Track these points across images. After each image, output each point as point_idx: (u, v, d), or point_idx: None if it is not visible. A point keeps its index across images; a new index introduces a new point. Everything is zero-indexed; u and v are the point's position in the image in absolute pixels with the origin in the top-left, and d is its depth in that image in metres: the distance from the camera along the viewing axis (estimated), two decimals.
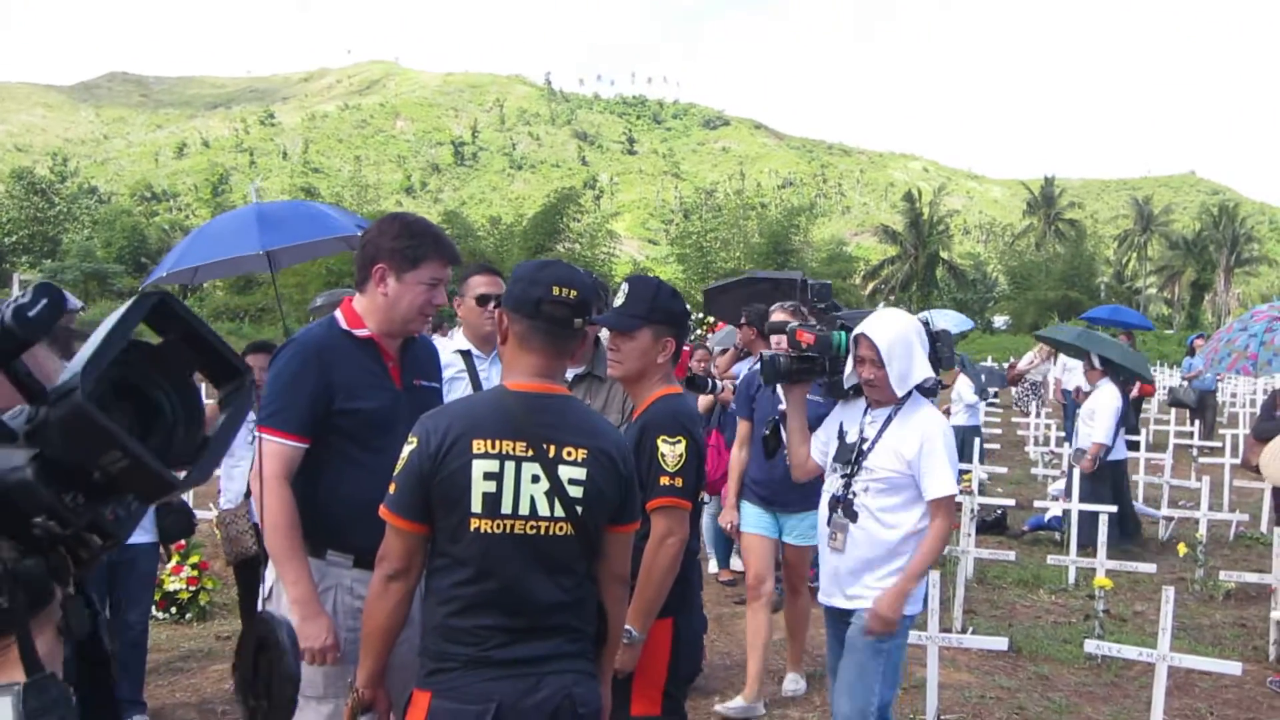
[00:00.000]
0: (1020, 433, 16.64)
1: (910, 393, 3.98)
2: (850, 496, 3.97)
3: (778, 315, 5.25)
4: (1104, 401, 9.01)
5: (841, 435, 4.07)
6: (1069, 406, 16.31)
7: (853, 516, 3.96)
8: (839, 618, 4.15)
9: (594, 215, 52.82)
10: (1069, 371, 16.12)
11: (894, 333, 3.92)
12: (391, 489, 2.66)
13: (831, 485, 4.06)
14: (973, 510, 8.04)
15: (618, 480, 2.72)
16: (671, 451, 3.26)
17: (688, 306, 3.72)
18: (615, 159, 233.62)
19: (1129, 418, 8.73)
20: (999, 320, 59.02)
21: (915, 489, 3.95)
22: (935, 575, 5.30)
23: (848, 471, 3.99)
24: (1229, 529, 10.83)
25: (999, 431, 16.38)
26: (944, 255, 67.10)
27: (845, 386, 4.07)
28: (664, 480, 3.23)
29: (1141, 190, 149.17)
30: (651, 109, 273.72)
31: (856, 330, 3.97)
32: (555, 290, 2.69)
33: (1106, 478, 9.13)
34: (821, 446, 4.20)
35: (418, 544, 2.67)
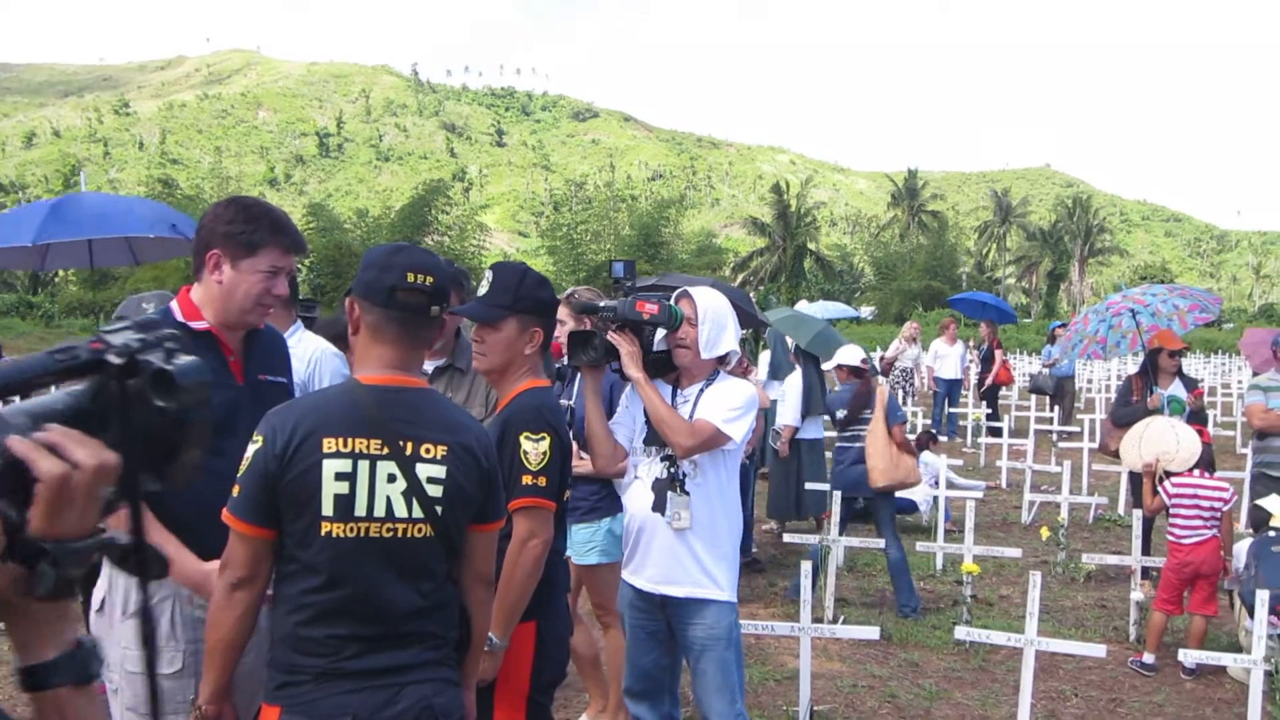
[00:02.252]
0: None
1: (716, 372, 3.97)
2: (682, 476, 3.84)
3: (584, 295, 4.97)
4: (792, 384, 9.20)
5: (649, 418, 3.93)
6: (939, 394, 16.65)
7: (687, 495, 3.84)
8: (667, 608, 3.96)
9: (463, 208, 52.13)
10: (940, 359, 16.44)
11: (712, 298, 3.96)
12: (235, 491, 2.46)
13: (651, 470, 3.90)
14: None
15: (480, 477, 2.57)
16: (535, 449, 3.09)
17: (557, 296, 3.54)
18: (484, 151, 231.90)
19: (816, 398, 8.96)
20: (865, 311, 60.21)
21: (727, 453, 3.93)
22: (807, 566, 5.25)
23: (669, 453, 3.85)
24: (1088, 512, 11.12)
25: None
26: (811, 247, 68.09)
27: (655, 350, 3.93)
28: (526, 480, 3.06)
29: (1000, 182, 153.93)
30: (520, 101, 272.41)
31: (679, 291, 3.98)
32: (410, 277, 2.52)
33: (794, 458, 9.28)
34: (627, 433, 4.02)
35: (264, 550, 2.47)
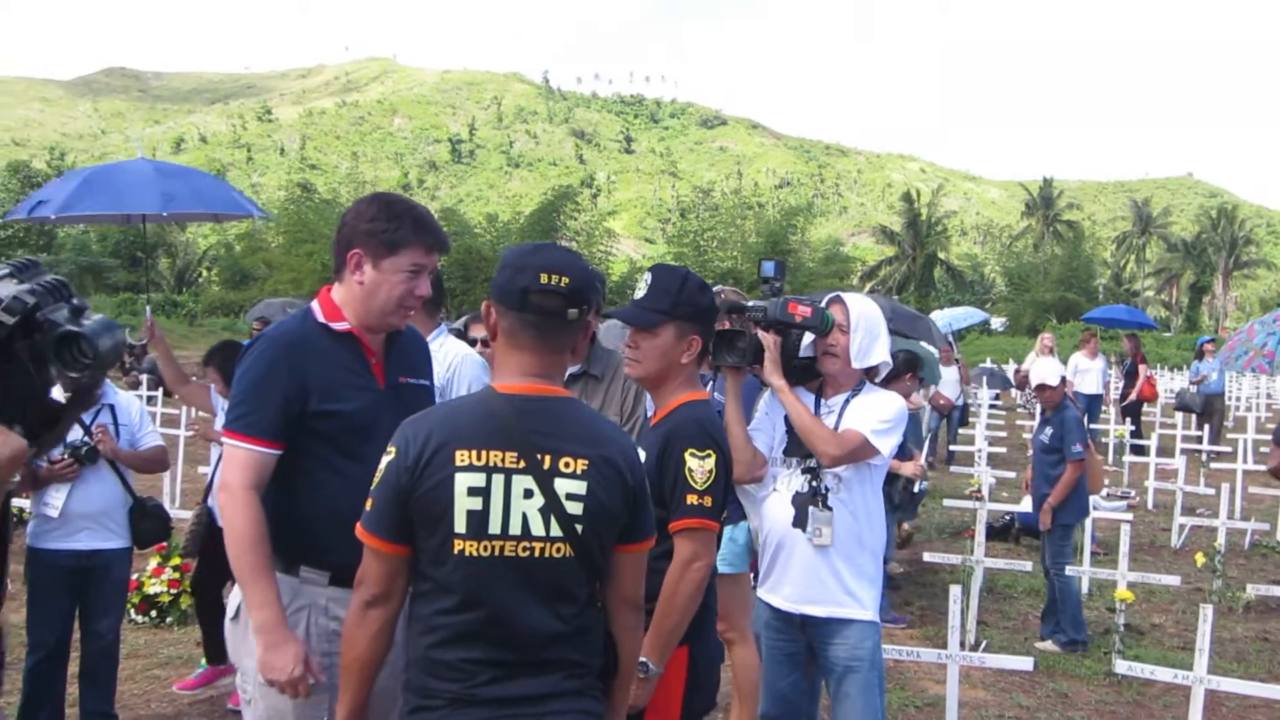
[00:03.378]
0: (1025, 436, 16.33)
1: (863, 382, 3.79)
2: (824, 490, 3.65)
3: (731, 294, 4.77)
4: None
5: (791, 427, 3.74)
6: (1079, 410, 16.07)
7: (830, 510, 3.64)
8: (807, 628, 3.76)
9: (591, 214, 52.45)
10: (1081, 374, 15.82)
11: (865, 305, 3.79)
12: (368, 505, 2.33)
13: (791, 483, 3.71)
14: (987, 516, 7.72)
15: (624, 493, 2.38)
16: (700, 467, 2.90)
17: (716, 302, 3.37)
18: (612, 157, 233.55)
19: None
20: (997, 322, 58.82)
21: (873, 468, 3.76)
22: (956, 590, 4.99)
23: (812, 465, 3.66)
24: (1244, 537, 10.54)
25: (1004, 435, 16.07)
26: (942, 256, 66.87)
27: (800, 355, 3.74)
28: (691, 499, 2.87)
29: (1139, 192, 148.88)
30: (649, 108, 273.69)
31: (830, 295, 3.81)
32: (543, 278, 2.35)
33: None
34: (766, 440, 3.82)
35: (399, 566, 2.34)
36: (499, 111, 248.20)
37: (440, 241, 2.94)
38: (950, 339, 17.75)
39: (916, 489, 6.93)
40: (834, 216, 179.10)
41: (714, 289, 4.98)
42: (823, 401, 3.79)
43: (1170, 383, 27.33)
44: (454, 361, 3.97)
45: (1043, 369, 7.50)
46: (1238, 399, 23.31)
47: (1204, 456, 13.98)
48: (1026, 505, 10.06)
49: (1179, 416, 17.09)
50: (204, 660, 5.91)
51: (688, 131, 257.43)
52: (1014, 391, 20.86)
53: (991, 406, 18.93)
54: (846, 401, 3.76)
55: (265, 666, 2.69)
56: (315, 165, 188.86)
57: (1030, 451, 14.91)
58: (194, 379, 6.56)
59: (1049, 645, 7.12)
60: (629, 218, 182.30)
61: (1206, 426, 16.07)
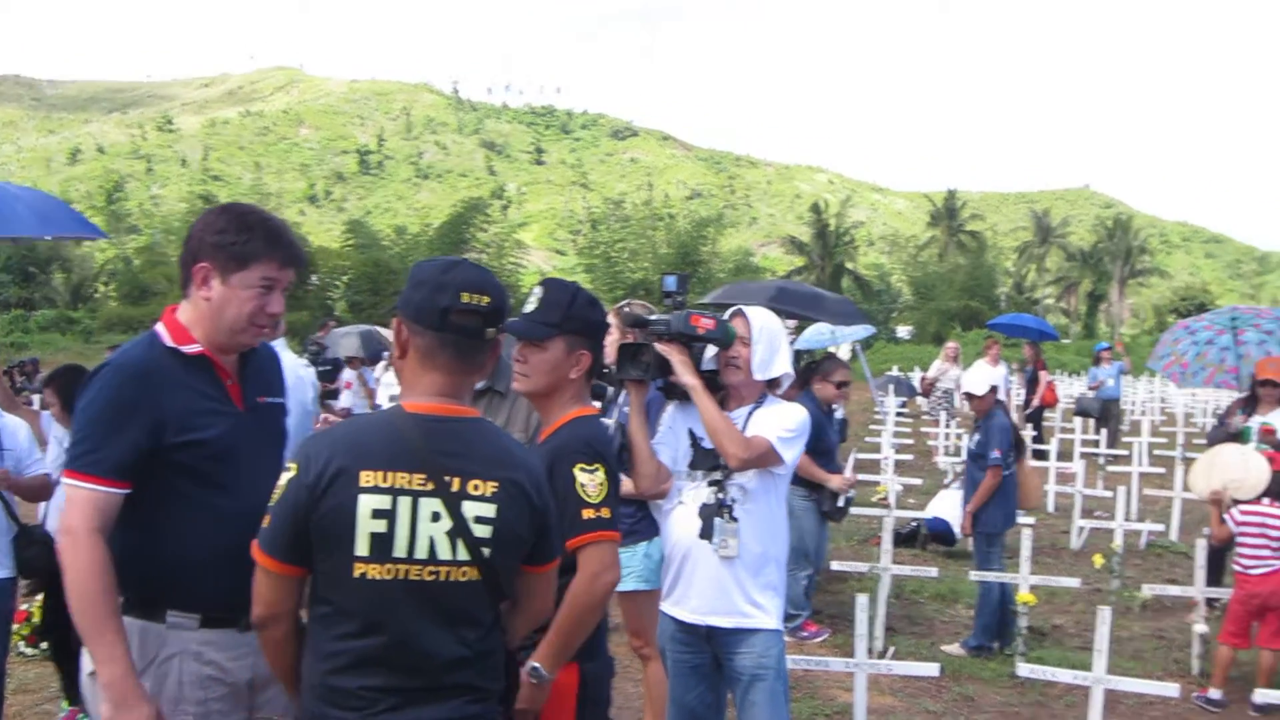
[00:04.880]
0: (930, 443, 16.60)
1: (765, 394, 3.84)
2: (730, 502, 3.68)
3: (637, 308, 4.78)
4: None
5: (696, 440, 3.77)
6: None
7: (736, 521, 3.68)
8: (713, 640, 3.78)
9: (501, 225, 52.35)
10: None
11: (767, 318, 3.85)
12: (265, 522, 2.28)
13: (697, 496, 3.74)
14: (893, 524, 7.82)
15: (531, 515, 2.38)
16: (591, 480, 2.87)
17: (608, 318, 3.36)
18: (523, 169, 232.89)
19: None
20: (903, 330, 59.73)
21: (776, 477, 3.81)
22: (862, 599, 5.03)
23: (717, 477, 3.70)
24: (1139, 538, 10.82)
25: (910, 442, 16.30)
26: (849, 266, 67.63)
27: (701, 369, 3.75)
28: (588, 513, 2.83)
29: (1039, 203, 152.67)
30: (560, 119, 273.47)
31: (732, 309, 3.85)
32: (465, 297, 2.32)
33: None
34: (670, 454, 3.84)
35: (289, 588, 2.30)
36: (408, 122, 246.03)
37: (295, 256, 2.79)
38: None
39: (841, 501, 6.98)
40: (744, 227, 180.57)
41: (621, 303, 4.99)
42: (727, 414, 3.81)
43: (1070, 388, 27.99)
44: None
45: (972, 378, 7.63)
46: (1133, 404, 23.93)
47: (1101, 460, 14.31)
48: (932, 511, 10.25)
49: (1078, 421, 17.49)
50: (64, 702, 5.55)
51: (599, 143, 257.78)
52: (920, 399, 21.17)
53: (898, 414, 19.20)
54: (750, 413, 3.80)
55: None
56: (218, 176, 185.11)
57: (937, 458, 15.15)
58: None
59: (954, 648, 7.23)
60: (539, 229, 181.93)
61: (1104, 431, 16.48)
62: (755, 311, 3.87)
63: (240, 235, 2.67)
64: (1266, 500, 6.51)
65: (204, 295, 2.68)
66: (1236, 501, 6.62)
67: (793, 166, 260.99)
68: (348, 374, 13.96)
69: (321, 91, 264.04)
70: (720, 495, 3.71)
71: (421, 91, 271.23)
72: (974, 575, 7.38)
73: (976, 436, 7.48)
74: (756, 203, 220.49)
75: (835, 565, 7.68)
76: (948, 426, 16.36)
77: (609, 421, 4.40)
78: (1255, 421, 7.87)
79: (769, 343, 3.80)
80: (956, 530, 9.96)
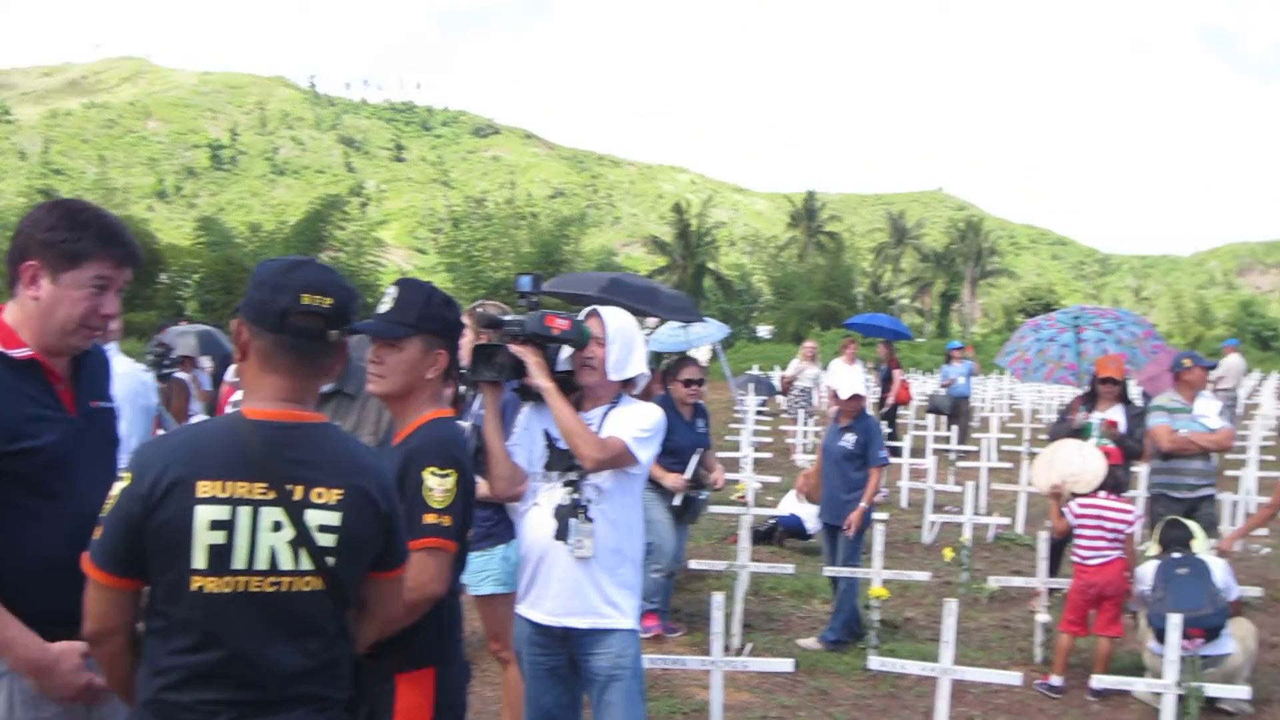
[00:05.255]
0: (789, 441, 16.88)
1: (621, 395, 3.86)
2: (586, 502, 3.68)
3: (490, 309, 4.73)
4: None
5: (552, 441, 3.76)
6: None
7: (591, 522, 3.68)
8: (569, 641, 3.77)
9: (360, 223, 51.26)
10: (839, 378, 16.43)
11: (622, 318, 3.86)
12: (96, 534, 2.18)
13: (552, 497, 3.73)
14: (750, 521, 7.91)
15: (379, 521, 2.32)
16: (440, 485, 2.82)
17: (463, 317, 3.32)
18: (383, 166, 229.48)
19: None
20: (763, 330, 60.63)
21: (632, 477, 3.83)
22: (718, 597, 5.08)
23: (573, 478, 3.70)
24: (987, 531, 11.17)
25: (769, 441, 16.56)
26: (711, 266, 68.39)
27: (556, 370, 3.74)
28: (429, 518, 2.79)
29: (895, 205, 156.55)
30: (421, 116, 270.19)
31: (587, 310, 3.85)
32: (305, 299, 2.26)
33: None
34: (526, 455, 3.83)
35: (123, 602, 2.21)
36: (262, 116, 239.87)
37: (131, 254, 2.66)
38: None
39: (678, 500, 7.00)
40: (607, 227, 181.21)
41: (475, 304, 4.93)
42: (582, 415, 3.80)
43: (923, 386, 28.80)
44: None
45: (846, 379, 7.74)
46: (983, 401, 24.73)
47: (953, 456, 14.75)
48: (785, 509, 10.41)
49: (930, 418, 18.01)
50: None
51: (460, 140, 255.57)
52: (779, 398, 21.51)
53: (758, 413, 19.47)
54: (605, 414, 3.80)
55: (49, 689, 2.44)
56: (60, 170, 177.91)
57: (795, 456, 15.41)
58: None
59: (811, 643, 7.36)
60: (400, 227, 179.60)
61: (955, 427, 17.00)
62: (610, 312, 3.88)
63: (72, 232, 2.55)
64: (1103, 493, 6.79)
65: (32, 295, 2.56)
66: (1075, 495, 6.89)
67: (655, 166, 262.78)
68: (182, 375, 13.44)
69: (171, 83, 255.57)
70: (575, 496, 3.70)
71: (277, 85, 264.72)
72: (827, 571, 7.54)
73: (851, 436, 7.57)
74: (619, 202, 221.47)
75: (694, 564, 7.74)
76: (805, 425, 16.66)
77: (465, 424, 4.36)
78: (1096, 417, 8.20)
79: (624, 343, 3.80)
80: (809, 526, 10.16)
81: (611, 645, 3.73)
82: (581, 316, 3.82)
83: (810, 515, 10.18)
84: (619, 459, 3.69)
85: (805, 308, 58.04)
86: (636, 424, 3.75)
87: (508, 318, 3.74)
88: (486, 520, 4.75)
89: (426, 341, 2.97)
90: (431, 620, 2.85)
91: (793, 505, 10.39)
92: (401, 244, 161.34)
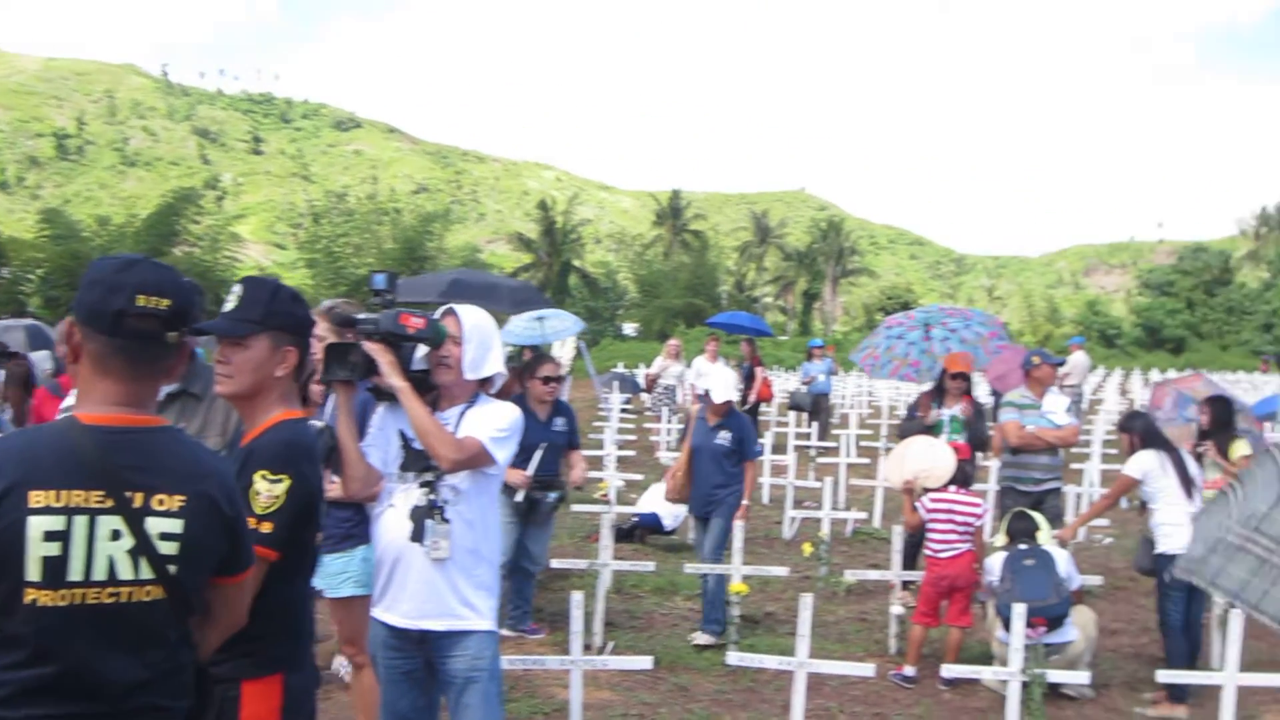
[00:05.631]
0: (653, 438, 16.97)
1: (478, 394, 3.83)
2: (442, 503, 3.65)
3: (344, 307, 4.66)
4: None
5: (407, 441, 3.72)
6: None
7: (448, 523, 3.65)
8: (426, 644, 3.73)
9: (216, 217, 49.90)
10: (703, 376, 16.56)
11: (479, 317, 3.84)
12: None
13: (408, 498, 3.68)
14: (612, 520, 7.94)
15: (223, 527, 2.25)
16: (268, 490, 2.72)
17: (312, 313, 3.23)
18: (239, 158, 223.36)
19: None
20: (629, 328, 60.90)
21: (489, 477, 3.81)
22: (577, 596, 5.07)
23: (429, 479, 3.67)
24: (846, 526, 11.41)
25: (634, 438, 16.62)
26: (577, 263, 68.41)
27: (411, 369, 3.70)
28: (249, 522, 2.63)
29: (758, 204, 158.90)
30: (279, 107, 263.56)
31: (443, 308, 3.82)
32: (140, 300, 2.17)
33: None
34: (381, 455, 3.78)
35: None
36: (112, 105, 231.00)
37: None
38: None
39: (519, 496, 6.92)
40: (472, 223, 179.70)
41: (327, 303, 4.82)
42: (438, 414, 3.76)
43: (786, 383, 29.26)
44: None
45: (721, 382, 7.77)
46: (843, 398, 25.25)
47: (813, 452, 15.02)
48: (644, 505, 10.46)
49: (791, 415, 18.31)
50: None
51: (320, 133, 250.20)
52: (644, 395, 21.62)
53: (623, 410, 19.54)
54: (462, 413, 3.76)
55: None
56: None
57: (660, 454, 15.47)
58: None
59: (703, 637, 7.40)
60: (258, 222, 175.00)
61: (815, 424, 17.30)
62: (467, 310, 3.84)
63: None
64: (953, 488, 6.99)
65: None
66: (926, 490, 7.08)
67: (521, 163, 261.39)
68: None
69: (13, 69, 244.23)
70: (432, 497, 3.67)
71: (127, 73, 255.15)
72: (689, 568, 7.59)
73: (726, 433, 7.61)
74: (484, 198, 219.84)
75: (555, 563, 7.72)
76: (669, 422, 16.77)
77: (318, 423, 4.26)
78: (946, 414, 8.46)
79: (480, 341, 3.78)
80: (667, 523, 10.24)
81: (469, 647, 3.70)
82: (437, 315, 3.78)
83: (670, 513, 10.26)
84: (476, 459, 3.66)
85: (670, 306, 58.53)
86: (493, 423, 3.72)
87: (361, 316, 3.68)
88: (346, 521, 4.67)
89: (274, 339, 2.88)
90: (279, 625, 2.78)
91: (652, 502, 10.44)
92: (260, 239, 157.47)
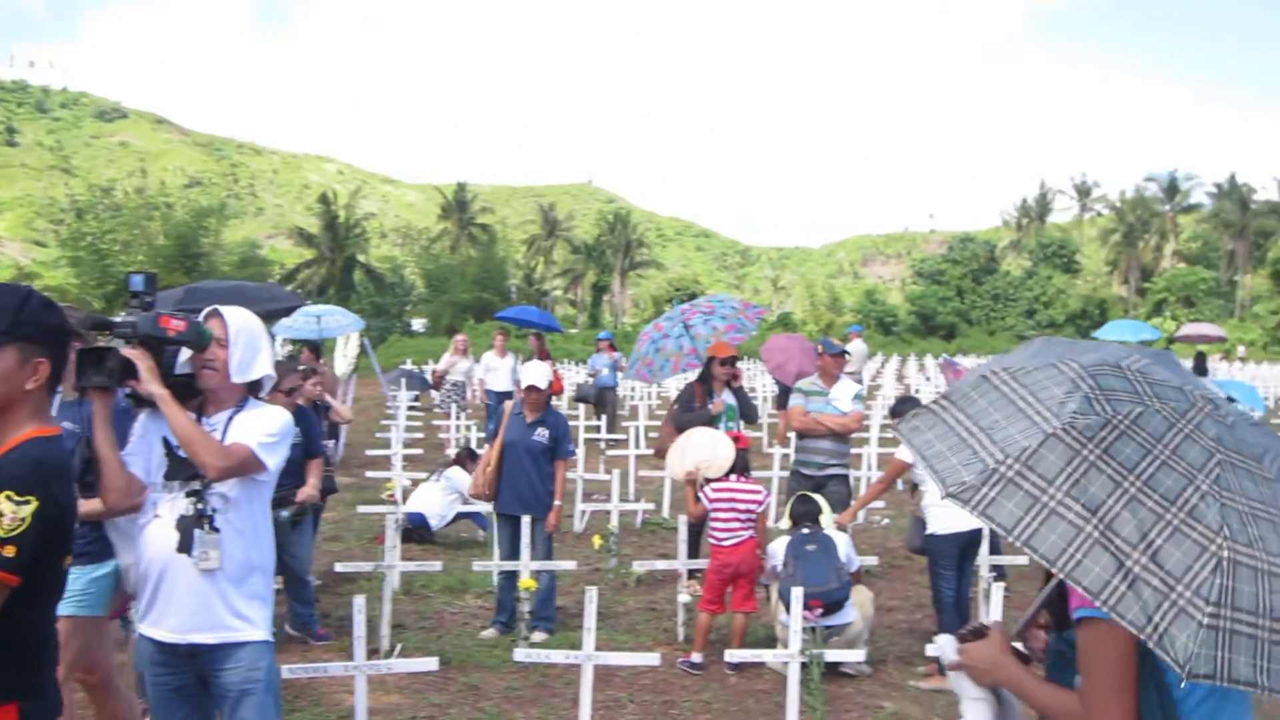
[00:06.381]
0: (442, 435, 16.77)
1: (247, 398, 3.71)
2: (210, 512, 3.52)
3: (73, 314, 4.41)
4: None
5: (171, 449, 3.57)
6: (491, 406, 16.65)
7: (217, 532, 3.52)
8: (197, 658, 3.59)
9: None
10: (491, 371, 16.47)
11: (246, 318, 3.71)
12: None
13: (174, 508, 3.54)
14: (397, 520, 7.81)
15: None
16: (12, 513, 2.55)
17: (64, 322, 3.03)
18: None
19: None
20: (417, 323, 60.04)
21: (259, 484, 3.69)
22: (360, 600, 4.96)
23: (196, 487, 3.53)
24: (636, 517, 11.55)
25: (421, 436, 16.37)
26: (361, 259, 66.98)
27: (175, 373, 3.56)
28: None
29: (546, 197, 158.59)
30: (35, 96, 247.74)
31: (209, 309, 3.68)
32: None
33: None
34: (143, 464, 3.62)
35: None
36: None
37: None
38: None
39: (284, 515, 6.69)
40: (250, 218, 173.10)
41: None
42: (204, 419, 3.62)
43: (577, 376, 29.39)
44: None
45: (533, 372, 7.68)
46: (632, 390, 25.53)
47: (602, 445, 15.13)
48: (412, 505, 10.29)
49: (581, 408, 18.40)
50: None
51: (82, 124, 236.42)
52: (433, 392, 21.34)
53: (410, 408, 19.24)
54: (230, 418, 3.63)
55: None
56: None
57: (449, 451, 15.30)
58: None
59: (538, 635, 7.35)
60: (14, 218, 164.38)
61: (604, 417, 17.44)
62: (233, 311, 3.70)
63: None
64: (734, 476, 7.17)
65: None
66: (708, 480, 7.23)
67: (300, 155, 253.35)
68: None
69: None
70: (199, 506, 3.52)
71: None
72: (478, 565, 7.55)
73: (545, 431, 7.55)
74: (262, 192, 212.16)
75: (340, 567, 7.53)
76: (458, 419, 16.60)
77: (70, 426, 4.02)
78: (726, 401, 8.66)
79: (248, 343, 3.65)
80: (433, 523, 10.14)
81: (242, 659, 3.58)
82: (201, 317, 3.63)
83: (435, 514, 10.13)
84: (244, 466, 3.53)
85: (459, 300, 57.97)
86: (263, 428, 3.60)
87: (118, 319, 3.50)
88: (83, 539, 4.40)
89: (23, 350, 2.70)
90: (15, 651, 2.61)
91: (420, 501, 10.27)
92: (16, 236, 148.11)
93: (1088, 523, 1.79)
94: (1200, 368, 20.98)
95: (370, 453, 13.34)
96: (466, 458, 10.87)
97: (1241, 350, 51.12)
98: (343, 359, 18.96)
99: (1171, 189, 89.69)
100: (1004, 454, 1.90)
